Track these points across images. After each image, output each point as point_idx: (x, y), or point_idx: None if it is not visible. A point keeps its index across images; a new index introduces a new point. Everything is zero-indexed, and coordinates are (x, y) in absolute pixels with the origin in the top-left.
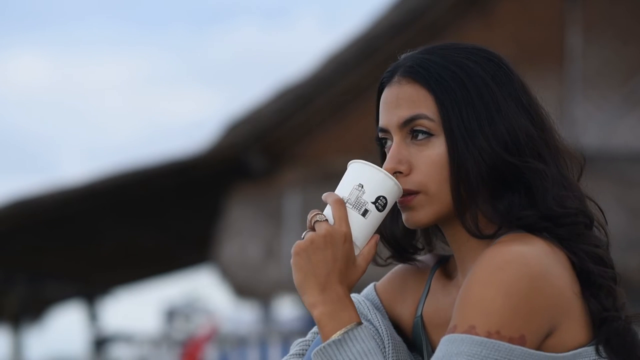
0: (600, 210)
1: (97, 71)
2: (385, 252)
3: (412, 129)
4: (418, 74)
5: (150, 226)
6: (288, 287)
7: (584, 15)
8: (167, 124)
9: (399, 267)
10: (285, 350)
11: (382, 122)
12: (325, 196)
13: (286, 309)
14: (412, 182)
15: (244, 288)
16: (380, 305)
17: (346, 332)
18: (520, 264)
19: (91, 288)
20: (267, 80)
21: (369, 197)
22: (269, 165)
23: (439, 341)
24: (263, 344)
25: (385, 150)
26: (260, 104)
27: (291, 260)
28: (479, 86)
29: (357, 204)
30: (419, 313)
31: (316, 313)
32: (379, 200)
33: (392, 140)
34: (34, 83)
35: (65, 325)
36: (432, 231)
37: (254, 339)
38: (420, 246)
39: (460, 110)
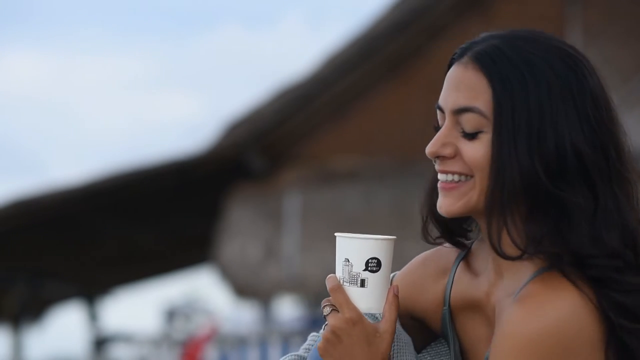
0: None
1: (88, 72)
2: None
3: (463, 119)
4: (485, 64)
5: (150, 226)
6: (288, 287)
7: (584, 15)
8: (157, 126)
9: (417, 258)
10: (285, 350)
11: (441, 99)
12: (326, 283)
13: (286, 309)
14: (458, 164)
15: (244, 288)
16: None
17: None
18: (554, 334)
19: (91, 288)
20: (255, 82)
21: (357, 267)
22: (269, 165)
23: (466, 325)
24: (263, 344)
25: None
26: (260, 104)
27: None
28: (541, 94)
29: (352, 279)
30: (446, 305)
31: None
32: (370, 265)
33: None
34: (23, 83)
35: (65, 325)
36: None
37: (254, 339)
38: (469, 229)
39: (514, 117)
